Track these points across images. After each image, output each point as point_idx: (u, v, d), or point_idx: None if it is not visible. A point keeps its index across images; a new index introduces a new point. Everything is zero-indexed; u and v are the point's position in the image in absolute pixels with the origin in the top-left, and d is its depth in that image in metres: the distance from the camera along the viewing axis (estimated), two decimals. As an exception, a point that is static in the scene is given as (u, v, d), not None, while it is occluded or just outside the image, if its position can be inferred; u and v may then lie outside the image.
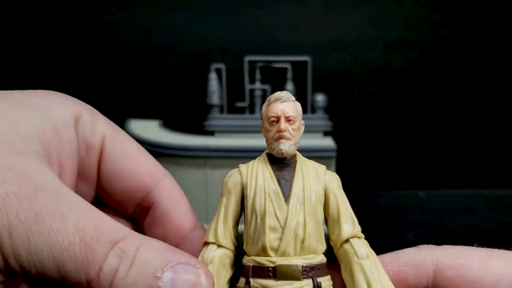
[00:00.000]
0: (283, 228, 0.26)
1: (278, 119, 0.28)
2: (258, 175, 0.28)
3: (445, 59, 1.18)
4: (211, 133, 1.11)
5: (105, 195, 0.31)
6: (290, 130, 0.28)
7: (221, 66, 1.13)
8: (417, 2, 1.16)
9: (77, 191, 0.30)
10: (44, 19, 1.14)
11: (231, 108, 1.15)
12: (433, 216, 1.10)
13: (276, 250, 0.26)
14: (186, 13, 1.15)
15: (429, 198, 1.18)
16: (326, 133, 1.10)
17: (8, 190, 0.22)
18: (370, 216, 0.98)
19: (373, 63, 1.17)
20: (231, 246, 0.28)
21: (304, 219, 0.27)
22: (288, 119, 0.28)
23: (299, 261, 0.26)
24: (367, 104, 1.18)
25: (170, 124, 1.13)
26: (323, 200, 0.27)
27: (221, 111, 1.14)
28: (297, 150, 0.28)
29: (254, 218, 0.27)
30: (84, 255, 0.21)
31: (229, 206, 0.28)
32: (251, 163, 0.29)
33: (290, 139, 0.28)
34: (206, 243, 0.28)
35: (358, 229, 0.27)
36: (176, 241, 0.30)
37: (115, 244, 0.22)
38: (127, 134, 0.32)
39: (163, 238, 0.30)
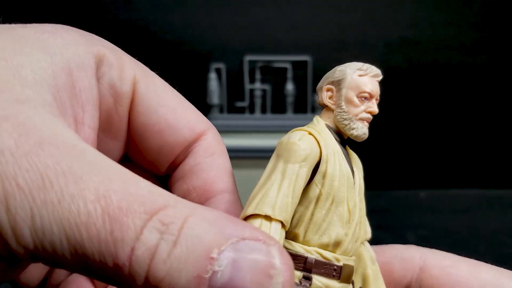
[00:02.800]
0: (350, 223, 0.22)
1: (370, 98, 0.24)
2: (335, 151, 0.22)
3: (445, 59, 1.18)
4: (211, 133, 1.10)
5: (136, 153, 0.25)
6: None
7: (221, 66, 1.13)
8: (418, 1, 1.16)
9: (102, 149, 0.24)
10: (44, 16, 1.14)
11: (231, 108, 1.15)
12: (434, 216, 1.09)
13: (337, 246, 0.22)
14: (186, 13, 1.15)
15: (430, 198, 1.18)
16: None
17: (3, 145, 0.16)
18: (370, 216, 0.97)
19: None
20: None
21: (361, 215, 0.23)
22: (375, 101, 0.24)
23: (353, 262, 0.23)
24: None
25: (170, 124, 1.12)
26: None
27: (221, 111, 1.14)
28: None
29: (329, 203, 0.22)
30: (109, 231, 0.15)
31: (302, 178, 0.21)
32: (317, 129, 0.23)
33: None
34: (267, 218, 0.20)
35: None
36: (198, 201, 0.25)
37: (153, 215, 0.16)
38: (161, 78, 0.26)
39: (184, 195, 0.25)
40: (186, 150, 0.25)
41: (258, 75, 1.14)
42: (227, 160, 0.26)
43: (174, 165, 0.26)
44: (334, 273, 0.22)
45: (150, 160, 0.25)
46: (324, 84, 0.25)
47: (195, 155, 0.25)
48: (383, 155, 1.18)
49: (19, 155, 0.16)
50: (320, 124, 0.24)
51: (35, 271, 0.26)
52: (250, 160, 1.08)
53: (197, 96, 1.19)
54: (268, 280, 0.16)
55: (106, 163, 0.17)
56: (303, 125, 0.24)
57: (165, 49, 1.15)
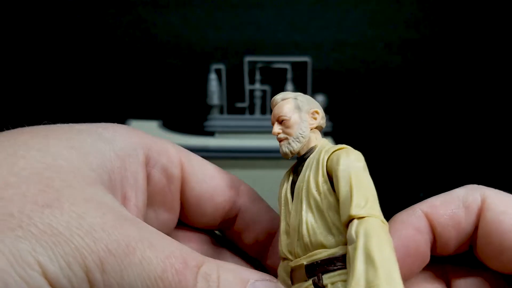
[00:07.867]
0: (289, 231, 0.26)
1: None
2: (284, 182, 0.28)
3: (446, 60, 1.18)
4: (211, 134, 1.10)
5: (193, 218, 0.32)
6: (284, 130, 0.27)
7: (221, 66, 1.13)
8: (418, 2, 1.16)
9: (159, 220, 0.31)
10: (43, 18, 1.14)
11: (231, 109, 1.15)
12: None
13: (291, 254, 0.26)
14: (186, 13, 1.15)
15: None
16: (326, 134, 1.10)
17: (93, 222, 0.21)
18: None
19: (373, 63, 1.17)
20: None
21: (303, 215, 0.25)
22: (281, 121, 0.28)
23: (304, 260, 0.25)
24: (367, 105, 1.18)
25: (170, 125, 1.12)
26: (329, 185, 0.25)
27: (221, 112, 1.14)
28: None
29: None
30: (177, 282, 0.21)
31: None
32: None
33: (286, 139, 0.27)
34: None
35: (358, 211, 0.22)
36: (267, 243, 0.32)
37: (200, 267, 0.22)
38: (193, 153, 0.32)
39: (254, 241, 0.32)
40: (232, 205, 0.32)
41: (258, 76, 1.14)
42: (264, 203, 0.33)
43: (228, 217, 0.32)
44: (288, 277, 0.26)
45: (204, 221, 0.32)
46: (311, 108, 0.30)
47: (247, 208, 0.32)
48: (382, 156, 1.18)
49: (107, 228, 0.21)
50: None
51: None
52: (249, 160, 1.08)
53: (197, 97, 1.19)
54: None
55: (157, 231, 0.23)
56: None
57: (165, 50, 1.15)
